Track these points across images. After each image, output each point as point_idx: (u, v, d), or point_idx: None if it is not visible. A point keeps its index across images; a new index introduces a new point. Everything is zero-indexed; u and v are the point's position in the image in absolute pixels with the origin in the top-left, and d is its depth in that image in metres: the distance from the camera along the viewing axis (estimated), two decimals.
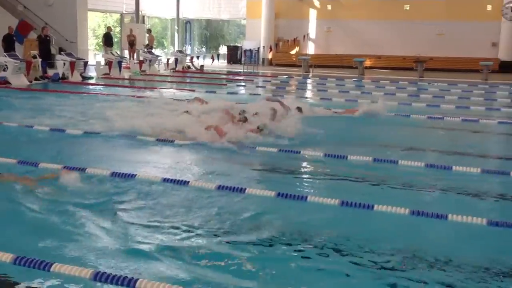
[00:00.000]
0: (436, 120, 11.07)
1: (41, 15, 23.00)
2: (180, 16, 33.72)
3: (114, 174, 6.05)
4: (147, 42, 27.09)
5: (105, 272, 3.52)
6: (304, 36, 30.05)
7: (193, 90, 16.00)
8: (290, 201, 5.40)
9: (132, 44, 25.99)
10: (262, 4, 29.55)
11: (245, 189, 5.60)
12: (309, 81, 22.16)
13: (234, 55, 30.55)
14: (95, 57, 28.89)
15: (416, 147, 8.59)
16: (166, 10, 33.41)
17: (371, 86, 18.67)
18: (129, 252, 4.12)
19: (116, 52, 24.27)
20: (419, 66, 23.16)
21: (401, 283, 3.75)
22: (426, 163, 6.88)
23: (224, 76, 22.97)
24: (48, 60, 18.84)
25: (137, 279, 3.43)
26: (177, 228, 4.68)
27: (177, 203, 5.36)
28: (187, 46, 34.65)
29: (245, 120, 8.81)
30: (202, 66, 25.43)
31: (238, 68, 26.50)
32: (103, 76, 19.92)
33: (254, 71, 25.36)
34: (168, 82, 19.54)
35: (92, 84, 17.94)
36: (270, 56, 29.97)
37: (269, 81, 21.49)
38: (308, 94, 17.88)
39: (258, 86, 19.25)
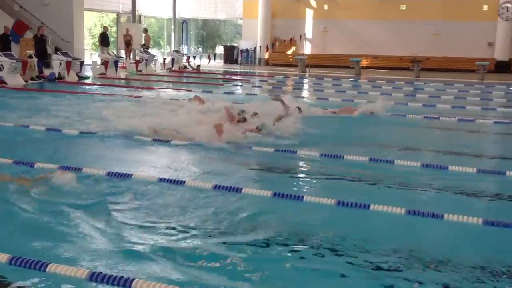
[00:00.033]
0: (432, 120, 11.09)
1: (37, 14, 22.94)
2: (177, 16, 33.71)
3: (110, 174, 6.04)
4: (143, 42, 27.05)
5: (101, 272, 3.51)
6: (300, 36, 30.07)
7: (190, 90, 15.98)
8: (286, 201, 5.40)
9: (128, 44, 25.95)
10: (258, 4, 29.56)
11: (242, 188, 5.60)
12: (305, 81, 22.17)
13: (230, 55, 30.55)
14: (91, 56, 28.81)
15: (412, 146, 8.61)
16: (163, 9, 33.39)
17: (368, 86, 18.70)
18: (124, 253, 4.12)
19: (112, 52, 24.23)
20: (415, 66, 23.20)
21: (398, 284, 3.75)
22: (422, 163, 6.89)
23: (220, 76, 22.96)
24: (44, 59, 18.81)
25: (133, 279, 3.42)
26: (173, 228, 4.67)
27: (173, 203, 5.36)
28: (183, 46, 34.62)
29: (244, 120, 8.82)
30: (198, 66, 25.42)
31: (235, 68, 26.50)
32: (99, 76, 19.89)
33: (251, 71, 25.36)
34: (165, 82, 19.52)
35: (88, 84, 17.91)
36: (266, 56, 29.98)
37: (266, 81, 21.50)
38: (305, 94, 17.89)
39: (254, 86, 19.25)
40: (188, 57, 26.79)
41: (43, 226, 4.64)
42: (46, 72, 18.17)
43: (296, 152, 7.55)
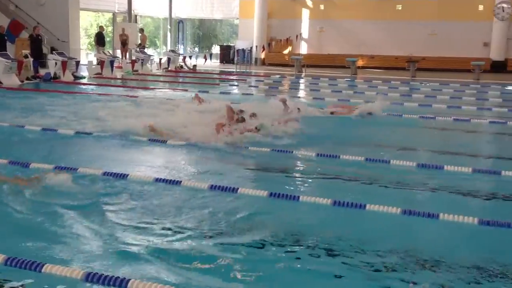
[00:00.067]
0: (428, 119, 11.11)
1: (32, 14, 22.88)
2: (173, 16, 33.67)
3: (106, 174, 6.03)
4: (139, 42, 27.01)
5: (97, 273, 3.50)
6: (296, 36, 30.08)
7: (186, 90, 15.97)
8: (282, 201, 5.40)
9: (124, 44, 25.92)
10: (254, 4, 29.56)
11: (238, 188, 5.60)
12: (301, 80, 22.19)
13: (227, 55, 30.53)
14: (87, 56, 28.78)
15: (408, 146, 8.62)
16: (159, 9, 33.34)
17: (364, 86, 18.72)
18: (119, 254, 4.11)
19: (108, 52, 24.18)
20: (411, 66, 23.24)
21: (394, 284, 3.76)
22: (418, 163, 6.90)
23: (216, 76, 22.95)
24: (39, 59, 18.75)
25: (129, 279, 3.41)
26: (169, 229, 4.66)
27: (169, 203, 5.35)
28: (179, 46, 34.61)
29: (242, 120, 8.82)
30: (194, 65, 25.39)
31: (231, 68, 26.49)
32: (95, 75, 19.85)
33: (247, 70, 25.36)
34: (161, 82, 19.50)
35: (84, 84, 17.87)
36: (262, 55, 29.98)
37: (262, 81, 21.50)
38: (301, 93, 17.90)
39: (251, 86, 19.24)
40: (184, 57, 26.75)
41: (38, 226, 4.63)
42: (42, 72, 18.11)
43: (293, 152, 7.56)
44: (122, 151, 7.80)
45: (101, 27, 26.03)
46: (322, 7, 29.60)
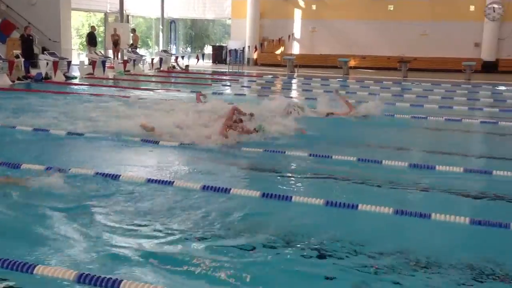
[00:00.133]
0: (420, 119, 11.15)
1: (24, 14, 22.77)
2: (165, 16, 33.62)
3: (97, 175, 6.01)
4: (131, 42, 26.95)
5: (89, 274, 3.49)
6: (289, 36, 30.12)
7: (178, 90, 15.94)
8: (275, 201, 5.40)
9: (116, 44, 25.85)
10: (247, 4, 29.57)
11: (230, 189, 5.59)
12: (294, 81, 22.21)
13: (219, 55, 30.54)
14: (78, 56, 28.66)
15: (400, 146, 8.65)
16: (151, 9, 33.28)
17: (356, 86, 18.76)
18: (111, 255, 4.08)
19: (100, 52, 24.10)
20: (403, 66, 23.32)
21: (385, 285, 3.77)
22: (410, 163, 6.93)
23: (209, 76, 22.93)
24: (31, 59, 18.66)
25: (121, 280, 3.40)
26: (161, 230, 4.64)
27: (162, 204, 5.33)
28: (172, 46, 34.54)
29: (240, 121, 8.82)
30: (187, 66, 25.36)
31: (223, 68, 26.48)
32: (86, 76, 19.77)
33: (239, 71, 25.36)
34: (153, 82, 19.45)
35: (75, 84, 17.79)
36: (255, 56, 29.99)
37: (254, 81, 21.50)
38: (293, 93, 17.91)
39: (243, 86, 19.24)
40: (177, 57, 26.72)
41: (28, 227, 4.59)
42: (33, 72, 18.02)
43: (290, 152, 7.53)
44: (114, 151, 7.77)
45: (92, 27, 25.95)
46: (314, 7, 29.65)
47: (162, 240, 4.41)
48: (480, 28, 26.92)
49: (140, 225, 4.72)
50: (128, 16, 31.52)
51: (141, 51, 28.84)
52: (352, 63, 26.46)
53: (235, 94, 15.62)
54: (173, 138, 8.14)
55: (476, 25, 26.83)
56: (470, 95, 17.01)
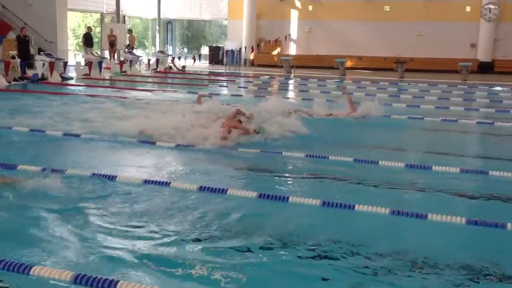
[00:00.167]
0: (416, 120, 11.17)
1: (20, 15, 22.71)
2: (161, 16, 33.58)
3: (94, 176, 6.00)
4: (128, 43, 26.92)
5: (85, 275, 3.48)
6: (285, 37, 30.14)
7: (175, 91, 15.93)
8: (272, 202, 5.40)
9: (112, 45, 25.80)
10: (243, 5, 29.56)
11: (227, 190, 5.59)
12: (290, 81, 22.22)
13: (216, 56, 30.54)
14: (75, 57, 28.61)
15: (396, 147, 8.67)
16: (147, 10, 33.24)
17: (352, 87, 18.75)
18: (107, 256, 4.08)
19: (96, 53, 24.07)
20: (399, 67, 23.35)
21: (380, 286, 3.77)
22: (406, 163, 6.94)
23: (206, 77, 22.92)
24: (27, 60, 18.61)
25: (118, 281, 3.40)
26: (157, 231, 4.63)
27: (158, 205, 5.33)
28: (168, 47, 34.51)
29: (240, 122, 8.81)
30: (183, 66, 25.35)
31: (220, 69, 26.47)
32: (83, 76, 19.74)
33: (236, 71, 25.34)
34: (150, 82, 19.43)
35: (72, 85, 17.76)
36: (252, 56, 29.99)
37: (251, 82, 21.49)
38: (290, 94, 17.92)
39: (240, 87, 19.24)
40: (173, 58, 26.71)
41: (24, 228, 4.58)
42: (29, 73, 17.98)
43: (288, 153, 7.53)
44: (111, 152, 7.76)
45: (89, 28, 25.91)
46: (310, 8, 29.67)
47: (159, 241, 4.41)
48: (476, 29, 26.98)
49: (136, 226, 4.72)
50: (124, 16, 31.49)
51: (137, 51, 28.81)
52: (348, 63, 26.49)
53: (232, 95, 15.61)
54: (171, 139, 8.12)
55: (472, 25, 26.88)
56: (466, 96, 17.04)
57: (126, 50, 24.82)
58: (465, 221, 4.84)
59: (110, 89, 16.64)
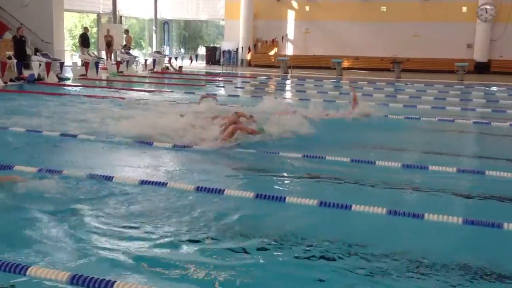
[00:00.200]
0: (413, 120, 11.19)
1: (16, 15, 22.65)
2: (158, 17, 33.56)
3: (91, 176, 5.99)
4: (124, 43, 26.88)
5: (82, 275, 3.47)
6: (282, 37, 30.15)
7: (172, 91, 15.92)
8: (269, 202, 5.39)
9: (109, 45, 25.77)
10: (240, 5, 29.56)
11: (224, 190, 5.58)
12: (288, 81, 22.23)
13: (212, 56, 30.53)
14: (71, 58, 28.56)
15: (393, 147, 8.68)
16: (144, 10, 33.21)
17: (349, 87, 18.77)
18: (104, 257, 4.07)
19: (93, 53, 24.03)
20: (396, 67, 23.38)
21: (376, 287, 3.77)
22: (403, 163, 6.95)
23: (203, 77, 22.91)
24: (23, 61, 18.58)
25: (114, 281, 3.39)
26: (153, 232, 4.61)
27: (155, 205, 5.32)
28: (165, 47, 34.48)
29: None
30: (180, 67, 25.33)
31: (217, 69, 26.46)
32: (79, 77, 19.71)
33: (233, 72, 25.35)
34: (146, 83, 19.41)
35: (68, 85, 17.73)
36: (248, 57, 30.00)
37: (248, 82, 21.49)
38: (287, 94, 17.93)
39: (237, 87, 19.24)
40: (170, 58, 26.69)
41: (19, 229, 4.56)
42: (26, 73, 17.94)
43: (285, 153, 7.53)
44: (107, 153, 7.76)
45: (85, 28, 25.86)
46: (307, 8, 29.69)
47: (156, 242, 4.40)
48: (472, 29, 27.04)
49: (133, 227, 4.71)
50: (121, 17, 31.44)
51: (134, 52, 28.77)
52: (345, 64, 26.51)
53: (229, 95, 15.61)
54: (170, 140, 8.11)
55: (468, 26, 26.94)
56: (462, 96, 17.08)
57: (123, 50, 24.78)
58: (462, 221, 4.85)
59: (106, 89, 16.61)
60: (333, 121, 10.49)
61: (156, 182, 5.91)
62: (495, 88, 19.37)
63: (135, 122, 9.11)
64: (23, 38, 18.83)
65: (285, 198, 5.41)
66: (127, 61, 23.02)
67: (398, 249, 4.36)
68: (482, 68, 26.25)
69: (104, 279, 3.43)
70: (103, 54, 26.46)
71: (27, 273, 3.54)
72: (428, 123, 11.10)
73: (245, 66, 29.53)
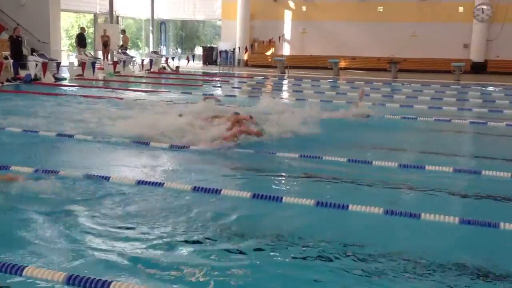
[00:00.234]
0: (409, 120, 11.20)
1: (12, 15, 22.61)
2: (155, 17, 33.52)
3: (87, 177, 5.98)
4: (121, 43, 26.85)
5: (79, 275, 3.47)
6: (279, 37, 30.15)
7: (169, 92, 15.91)
8: (265, 202, 5.39)
9: (106, 45, 25.74)
10: (237, 5, 29.56)
11: (221, 190, 5.58)
12: (284, 82, 22.23)
13: (209, 56, 30.50)
14: (68, 58, 28.52)
15: (390, 147, 8.69)
16: (141, 10, 33.17)
17: (346, 87, 18.80)
18: (100, 258, 4.06)
19: (89, 53, 24.00)
20: (393, 67, 23.41)
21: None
22: (399, 163, 6.95)
23: (199, 77, 22.90)
24: (20, 61, 18.53)
25: (111, 282, 3.38)
26: (150, 233, 4.61)
27: (152, 205, 5.32)
28: (162, 47, 34.45)
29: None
30: (177, 67, 25.32)
31: (214, 69, 26.45)
32: (76, 77, 19.68)
33: (230, 72, 25.34)
34: (143, 83, 19.39)
35: (65, 86, 17.70)
36: (245, 57, 29.99)
37: (245, 82, 21.50)
38: (284, 94, 17.93)
39: (234, 87, 19.23)
40: (167, 58, 26.68)
41: (16, 229, 4.56)
42: (22, 73, 17.90)
43: (282, 153, 7.52)
44: (104, 153, 7.74)
45: (82, 28, 25.84)
46: (304, 8, 29.70)
47: (153, 242, 4.39)
48: (469, 29, 27.09)
49: (130, 228, 4.70)
50: (118, 17, 31.41)
51: (131, 52, 28.74)
52: (342, 64, 26.52)
53: (226, 95, 15.60)
54: (168, 140, 8.09)
55: (465, 26, 26.99)
56: (459, 96, 17.12)
57: (120, 50, 24.76)
58: (458, 221, 4.86)
59: (103, 89, 16.59)
60: (332, 121, 10.50)
61: (153, 182, 5.91)
62: (491, 88, 19.41)
63: (133, 122, 9.10)
64: (20, 38, 18.79)
65: (282, 198, 5.41)
66: (124, 61, 23.00)
67: (395, 249, 4.37)
68: (478, 68, 26.30)
69: (101, 279, 3.42)
70: (100, 54, 26.42)
71: (23, 273, 3.54)
72: (425, 123, 11.12)
73: (242, 66, 29.53)
